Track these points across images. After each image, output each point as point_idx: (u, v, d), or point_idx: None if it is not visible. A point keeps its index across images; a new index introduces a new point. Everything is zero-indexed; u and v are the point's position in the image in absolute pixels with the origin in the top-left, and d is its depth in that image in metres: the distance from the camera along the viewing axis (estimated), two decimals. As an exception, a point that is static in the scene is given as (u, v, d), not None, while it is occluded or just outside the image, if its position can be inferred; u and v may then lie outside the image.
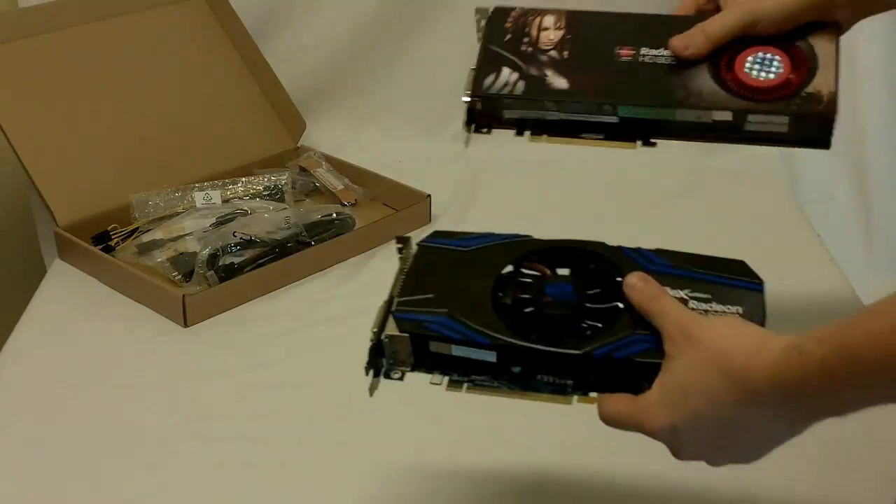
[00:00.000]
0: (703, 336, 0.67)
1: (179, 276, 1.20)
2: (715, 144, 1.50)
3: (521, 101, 0.88)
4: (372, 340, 0.74)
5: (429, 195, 1.35)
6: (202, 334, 1.14)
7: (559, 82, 0.88)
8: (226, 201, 1.33)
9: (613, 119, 0.88)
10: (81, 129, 1.35)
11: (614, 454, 0.89)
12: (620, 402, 0.70)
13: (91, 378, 1.08)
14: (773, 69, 0.87)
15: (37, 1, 1.44)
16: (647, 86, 0.87)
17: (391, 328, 0.74)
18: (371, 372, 0.75)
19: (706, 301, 0.72)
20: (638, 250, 0.75)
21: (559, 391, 0.72)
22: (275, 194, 1.36)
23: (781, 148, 1.46)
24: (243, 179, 1.37)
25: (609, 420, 0.71)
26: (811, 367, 0.62)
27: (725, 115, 0.87)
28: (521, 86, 0.88)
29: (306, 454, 0.96)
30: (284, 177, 1.38)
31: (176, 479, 0.94)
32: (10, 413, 1.03)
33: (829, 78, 0.86)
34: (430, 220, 1.36)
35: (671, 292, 0.71)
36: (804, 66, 0.87)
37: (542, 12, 0.92)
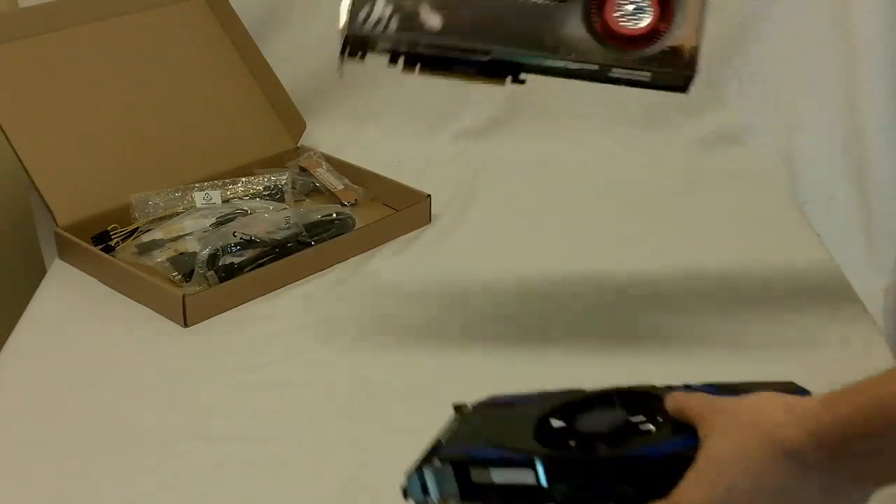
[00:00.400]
0: (731, 407, 0.65)
1: (179, 276, 1.20)
2: (713, 143, 1.52)
3: (393, 40, 0.91)
4: (411, 472, 0.73)
5: (429, 195, 1.35)
6: (202, 334, 1.14)
7: (432, 20, 0.90)
8: (226, 201, 1.33)
9: (485, 58, 0.90)
10: (81, 129, 1.35)
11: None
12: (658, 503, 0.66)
13: (91, 378, 1.08)
14: (640, 16, 0.88)
15: (37, 1, 1.44)
16: (518, 29, 0.89)
17: (434, 463, 0.72)
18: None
19: None
20: (686, 385, 0.73)
21: None
22: (275, 194, 1.36)
23: (776, 147, 1.47)
24: (243, 179, 1.37)
25: None
26: (856, 415, 0.59)
27: (592, 66, 0.89)
28: (394, 22, 0.90)
29: (306, 454, 0.96)
30: (284, 177, 1.38)
31: (176, 479, 0.93)
32: (10, 413, 1.03)
33: (693, 30, 0.88)
34: (430, 220, 1.36)
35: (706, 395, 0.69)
36: (671, 14, 0.89)
37: None
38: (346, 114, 1.60)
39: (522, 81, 0.92)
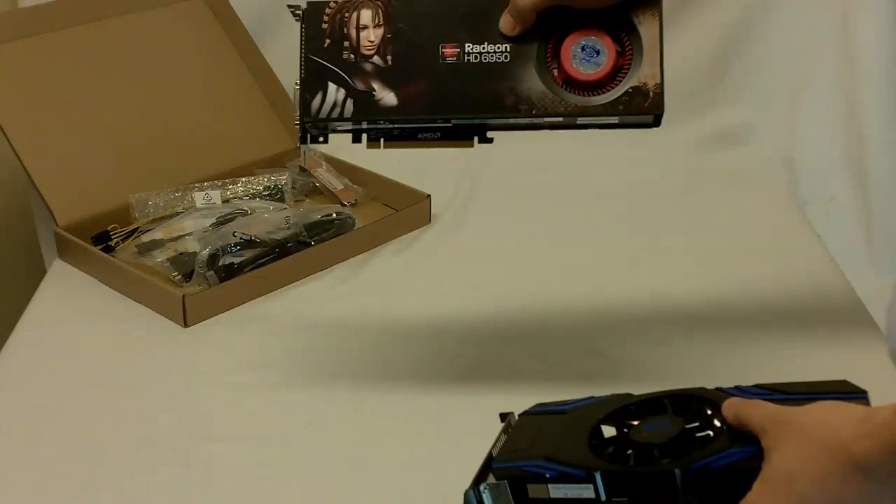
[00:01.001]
0: (797, 419, 0.63)
1: (179, 276, 1.20)
2: (713, 143, 1.52)
3: (352, 122, 0.89)
4: (467, 489, 0.72)
5: (429, 195, 1.35)
6: (202, 334, 1.14)
7: (388, 97, 0.88)
8: (226, 201, 1.33)
9: (447, 124, 0.89)
10: (81, 129, 1.35)
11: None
12: None
13: (91, 378, 1.08)
14: (598, 59, 0.87)
15: (37, 1, 1.44)
16: (475, 95, 0.88)
17: (490, 480, 0.72)
18: None
19: None
20: (737, 387, 0.72)
21: None
22: (275, 194, 1.36)
23: (774, 147, 1.46)
24: (243, 179, 1.37)
25: None
26: None
27: (556, 119, 0.88)
28: (349, 106, 0.89)
29: (306, 454, 0.96)
30: (284, 177, 1.38)
31: (176, 479, 0.93)
32: (10, 413, 1.03)
33: (654, 65, 0.87)
34: (429, 220, 1.36)
35: (764, 402, 0.67)
36: (630, 50, 0.87)
37: (358, 5, 0.90)
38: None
39: (490, 140, 0.91)
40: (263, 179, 1.37)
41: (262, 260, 1.22)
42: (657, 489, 0.67)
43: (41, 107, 1.34)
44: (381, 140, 0.91)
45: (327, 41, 0.90)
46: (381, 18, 0.90)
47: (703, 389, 0.72)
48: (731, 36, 1.55)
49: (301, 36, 0.91)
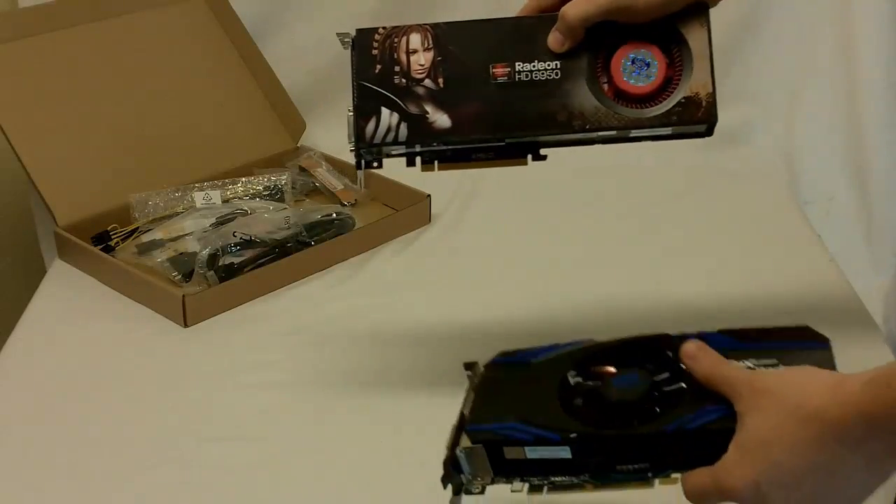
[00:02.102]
0: (771, 385, 0.65)
1: (179, 276, 1.20)
2: (713, 143, 1.52)
3: (406, 146, 0.90)
4: (446, 457, 0.74)
5: (429, 195, 1.35)
6: (202, 334, 1.14)
7: (441, 119, 0.89)
8: (226, 201, 1.33)
9: (501, 143, 0.90)
10: (81, 129, 1.35)
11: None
12: (702, 474, 0.67)
13: (91, 378, 1.08)
14: (649, 71, 0.87)
15: (37, 1, 1.44)
16: (528, 113, 0.88)
17: (465, 444, 0.73)
18: (451, 489, 0.75)
19: (773, 366, 0.70)
20: (699, 334, 0.73)
21: (640, 478, 0.71)
22: (275, 194, 1.36)
23: (776, 147, 1.46)
24: (243, 179, 1.37)
25: (693, 496, 0.68)
26: None
27: (610, 133, 0.88)
28: (403, 129, 0.89)
29: (306, 454, 0.96)
30: (284, 177, 1.38)
31: (176, 479, 0.94)
32: (10, 413, 1.03)
33: (705, 74, 0.87)
34: (429, 220, 1.36)
35: (736, 364, 0.70)
36: (679, 61, 0.88)
37: (407, 30, 0.91)
38: (345, 114, 1.59)
39: (544, 157, 0.92)
40: (263, 179, 1.37)
41: (262, 260, 1.22)
42: (631, 451, 0.69)
43: (41, 107, 1.34)
44: (436, 162, 0.92)
45: (378, 67, 0.90)
46: (431, 42, 0.90)
47: (666, 335, 0.73)
48: (731, 36, 1.55)
49: (352, 63, 0.91)
